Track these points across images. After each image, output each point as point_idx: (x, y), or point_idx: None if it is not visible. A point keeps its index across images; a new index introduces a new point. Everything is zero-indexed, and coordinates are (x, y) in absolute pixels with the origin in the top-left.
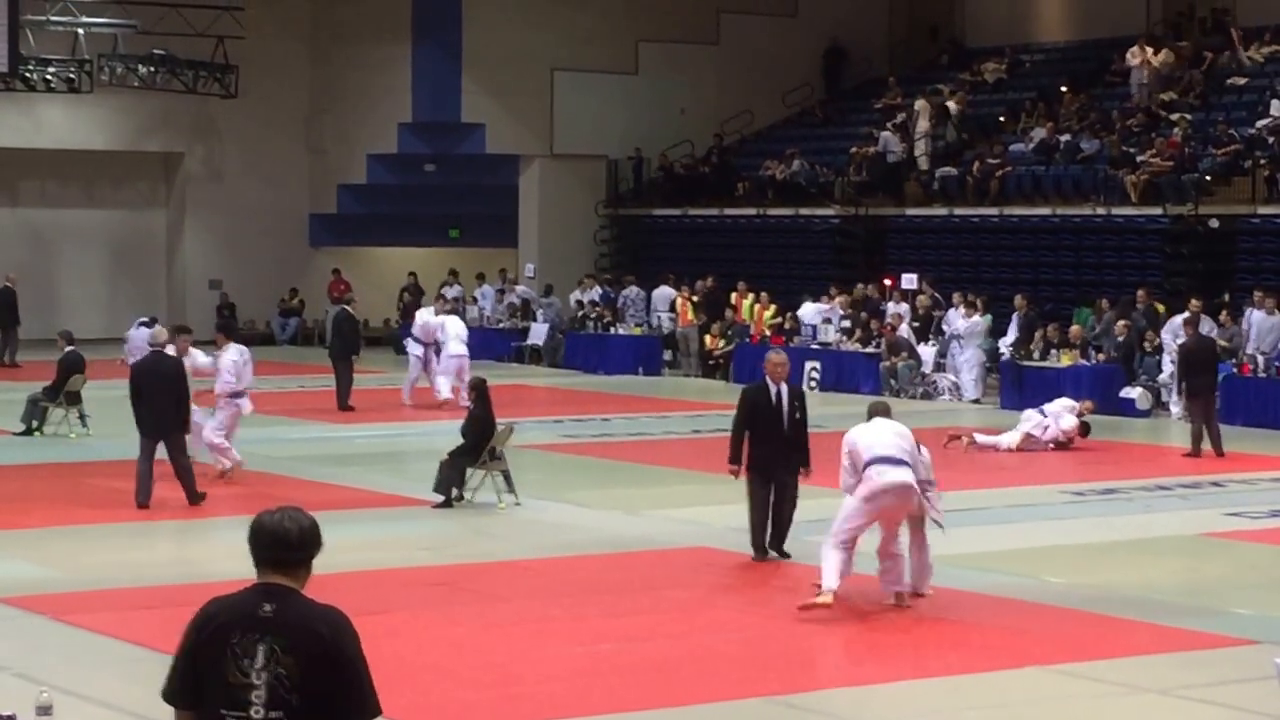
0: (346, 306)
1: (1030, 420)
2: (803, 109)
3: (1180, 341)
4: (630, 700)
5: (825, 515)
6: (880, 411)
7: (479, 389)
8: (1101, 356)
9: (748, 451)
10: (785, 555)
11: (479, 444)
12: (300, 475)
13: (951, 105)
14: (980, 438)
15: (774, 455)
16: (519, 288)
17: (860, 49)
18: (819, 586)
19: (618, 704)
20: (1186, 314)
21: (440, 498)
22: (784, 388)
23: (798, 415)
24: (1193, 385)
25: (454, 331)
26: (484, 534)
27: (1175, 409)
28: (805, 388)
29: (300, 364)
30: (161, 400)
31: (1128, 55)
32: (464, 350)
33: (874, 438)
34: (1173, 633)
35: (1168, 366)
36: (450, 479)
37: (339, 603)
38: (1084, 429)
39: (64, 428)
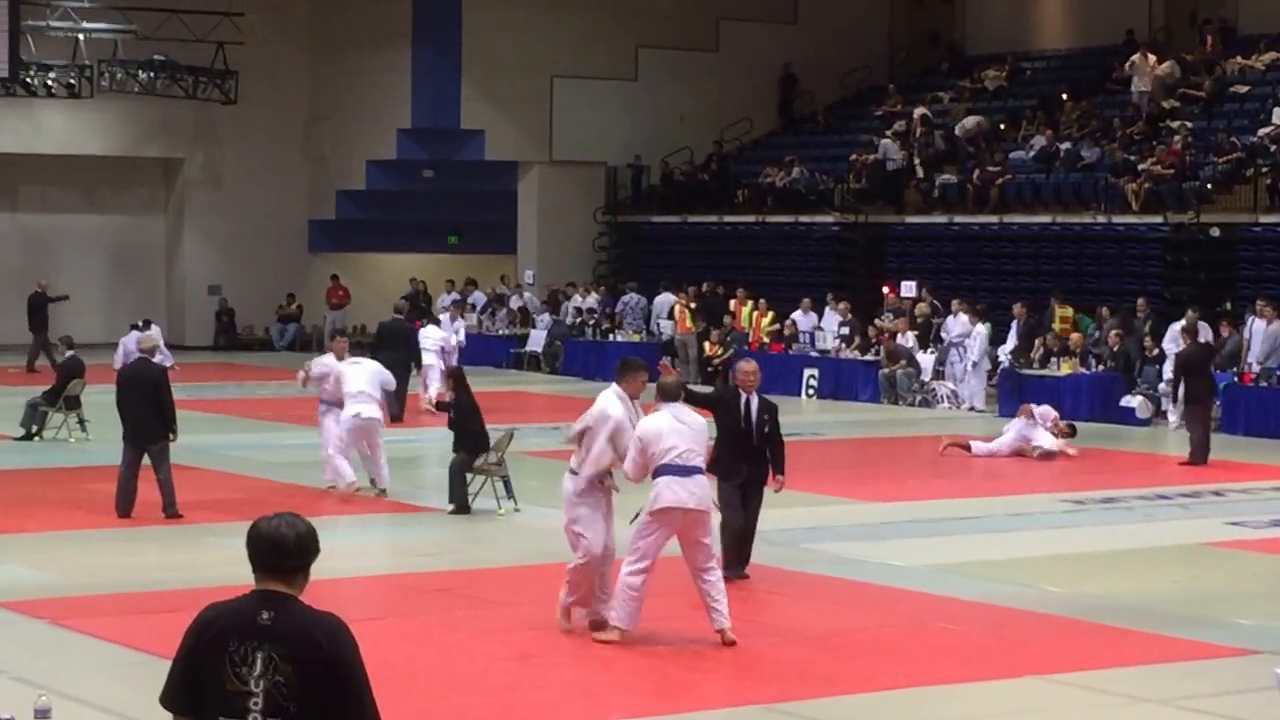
0: (399, 315)
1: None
2: (802, 116)
3: (1180, 349)
4: (627, 707)
5: (797, 525)
6: (671, 396)
7: (457, 376)
8: (1101, 366)
9: (714, 457)
10: (743, 571)
11: (471, 430)
12: (299, 481)
13: (971, 120)
14: (977, 446)
15: (740, 467)
16: (527, 295)
17: (814, 77)
18: (614, 627)
19: (614, 710)
20: (1183, 322)
21: (452, 505)
22: (754, 399)
23: (767, 429)
24: (1190, 392)
25: (428, 339)
26: (482, 540)
27: (1173, 418)
28: (804, 395)
29: (298, 370)
30: (140, 408)
31: (1129, 63)
32: (434, 361)
33: (671, 439)
34: (1173, 642)
35: (1168, 375)
36: (462, 486)
37: (337, 609)
38: (1070, 430)
39: (63, 432)
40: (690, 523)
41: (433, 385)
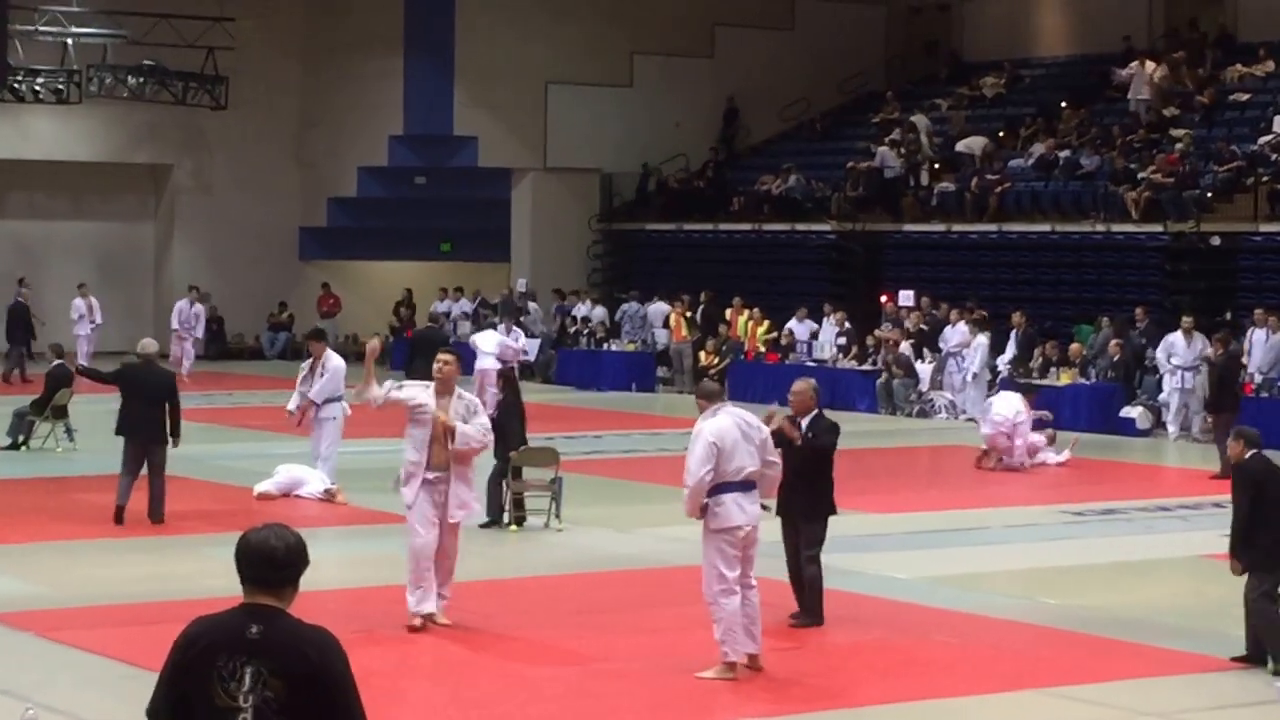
0: (433, 324)
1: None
2: (799, 123)
3: (1214, 357)
4: None
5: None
6: (718, 398)
7: (507, 377)
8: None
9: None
10: (809, 621)
11: (508, 429)
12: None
13: (977, 141)
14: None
15: (788, 498)
16: (533, 305)
17: (811, 84)
18: (727, 657)
19: None
20: (1179, 330)
21: (489, 518)
22: (810, 420)
23: (809, 451)
24: (1223, 403)
25: (482, 346)
26: (473, 553)
27: (1172, 428)
28: None
29: (290, 379)
30: (151, 407)
31: (1127, 70)
32: (488, 364)
33: (741, 457)
34: (1173, 655)
35: (1167, 385)
36: (498, 499)
37: (325, 621)
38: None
39: (50, 442)
40: (749, 541)
41: (488, 390)
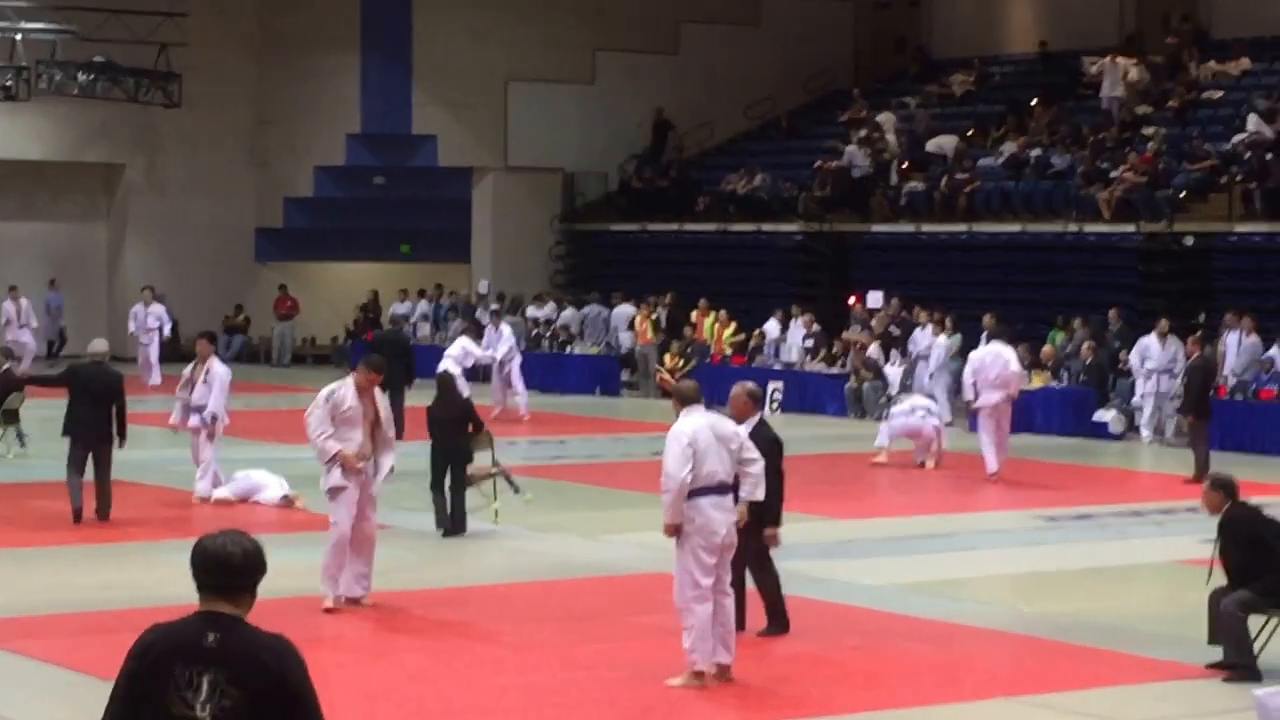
0: (395, 327)
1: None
2: (765, 121)
3: (1190, 360)
4: None
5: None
6: (694, 399)
7: (439, 382)
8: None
9: None
10: (778, 630)
11: (434, 445)
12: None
13: (948, 140)
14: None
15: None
16: (494, 307)
17: (777, 81)
18: (695, 665)
19: None
20: (1153, 333)
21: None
22: (750, 430)
23: (746, 454)
24: (1202, 406)
25: (447, 350)
26: (437, 560)
27: (1146, 432)
28: (769, 409)
29: (246, 382)
30: (96, 409)
31: (1098, 67)
32: (448, 366)
33: (713, 461)
34: (1149, 663)
35: (1140, 388)
36: (442, 506)
37: (284, 629)
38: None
39: (1, 447)
40: (726, 547)
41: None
